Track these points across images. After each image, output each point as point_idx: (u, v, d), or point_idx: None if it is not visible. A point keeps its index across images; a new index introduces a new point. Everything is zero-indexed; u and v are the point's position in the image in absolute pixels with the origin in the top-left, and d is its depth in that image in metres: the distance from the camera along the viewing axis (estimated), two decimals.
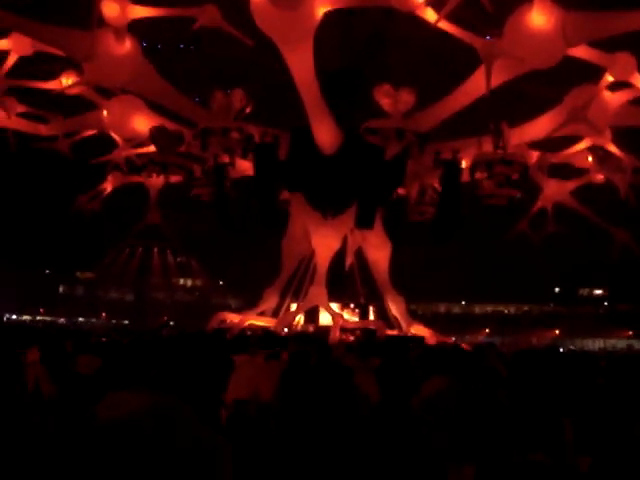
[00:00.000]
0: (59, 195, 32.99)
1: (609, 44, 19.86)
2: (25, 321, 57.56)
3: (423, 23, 19.38)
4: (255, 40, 19.83)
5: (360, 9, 22.05)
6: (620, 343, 55.13)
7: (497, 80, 19.66)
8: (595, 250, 33.29)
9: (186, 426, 2.82)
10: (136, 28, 20.84)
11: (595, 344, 55.31)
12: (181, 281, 64.31)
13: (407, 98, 21.86)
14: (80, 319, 59.57)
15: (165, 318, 53.28)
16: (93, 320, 59.37)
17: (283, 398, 3.92)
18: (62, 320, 58.33)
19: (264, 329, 25.08)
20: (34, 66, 23.44)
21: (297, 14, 17.97)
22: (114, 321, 58.09)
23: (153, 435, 2.68)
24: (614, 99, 21.87)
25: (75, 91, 23.74)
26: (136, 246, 56.80)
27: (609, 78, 20.73)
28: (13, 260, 50.82)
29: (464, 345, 21.82)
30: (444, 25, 18.75)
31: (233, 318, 27.39)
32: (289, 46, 19.71)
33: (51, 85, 24.03)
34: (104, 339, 14.88)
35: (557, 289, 61.55)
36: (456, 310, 64.09)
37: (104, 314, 59.86)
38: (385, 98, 21.73)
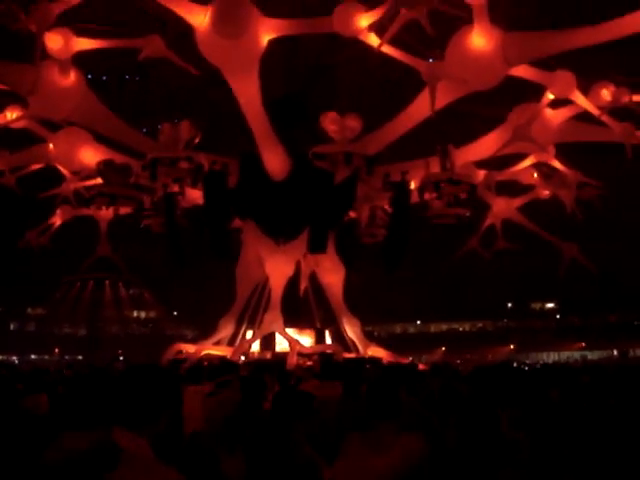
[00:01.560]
0: (7, 230, 32.45)
1: (548, 62, 20.34)
2: None
3: (367, 48, 19.66)
4: (201, 69, 19.87)
5: (304, 35, 22.21)
6: (574, 355, 55.91)
7: (441, 102, 19.99)
8: (545, 264, 33.81)
9: (135, 462, 2.80)
10: (80, 60, 20.73)
11: (550, 357, 56.00)
12: (134, 313, 63.52)
13: (353, 124, 22.08)
14: (32, 356, 58.40)
15: (120, 352, 52.58)
16: (46, 357, 58.25)
17: (236, 427, 3.92)
18: (14, 357, 57.10)
19: (221, 358, 24.88)
20: None
21: (242, 42, 18.08)
22: (67, 357, 57.07)
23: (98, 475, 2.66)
24: (556, 116, 22.42)
25: (20, 125, 23.48)
26: (87, 280, 56.02)
27: (550, 96, 21.22)
28: None
29: (420, 365, 21.99)
30: (387, 49, 19.04)
31: (189, 349, 27.11)
32: (235, 74, 19.80)
33: None
34: (55, 376, 14.64)
35: (509, 304, 62.30)
36: (412, 330, 64.41)
37: (57, 350, 58.79)
38: (331, 125, 21.91)
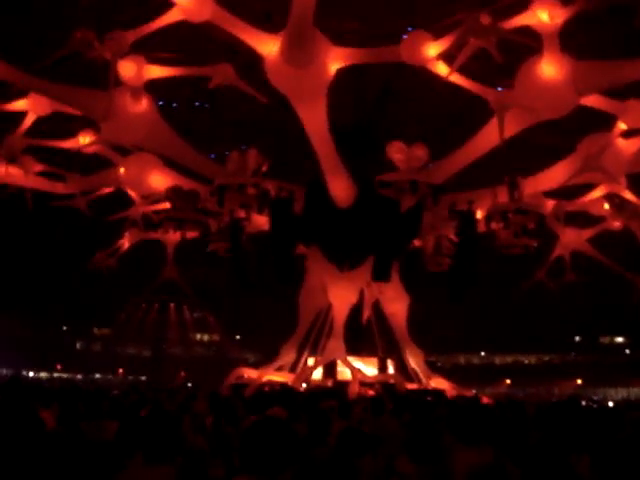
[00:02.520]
0: (77, 252, 33.18)
1: (620, 92, 19.97)
2: (42, 378, 57.51)
3: (435, 76, 19.59)
4: (269, 96, 20.09)
5: (373, 64, 22.26)
6: None
7: (510, 131, 19.75)
8: (615, 297, 32.97)
9: None
10: (152, 87, 21.18)
11: (618, 393, 54.39)
12: (198, 336, 64.13)
13: (420, 154, 21.94)
14: (97, 375, 59.42)
15: (183, 374, 53.13)
16: (110, 376, 59.20)
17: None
18: (79, 376, 58.20)
19: (282, 384, 24.87)
20: (52, 125, 23.82)
21: (310, 71, 18.20)
22: (131, 377, 57.89)
23: None
24: (628, 146, 21.92)
25: (92, 149, 24.08)
26: (153, 302, 56.89)
27: (622, 126, 20.78)
28: (31, 317, 51.05)
29: (485, 399, 21.56)
30: (456, 78, 18.93)
31: (251, 374, 27.20)
32: (303, 103, 19.94)
33: (68, 144, 24.37)
34: (123, 400, 14.78)
35: (578, 338, 60.84)
36: (475, 361, 63.38)
37: (121, 370, 59.67)
38: (398, 154, 21.81)
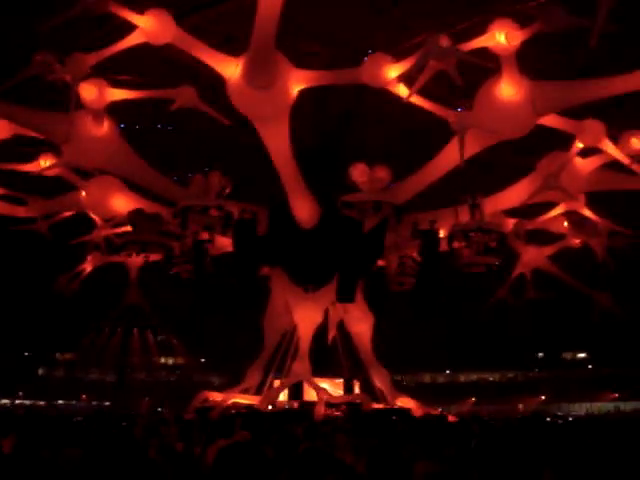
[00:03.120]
0: (38, 276, 32.78)
1: (577, 111, 20.33)
2: (3, 405, 56.44)
3: (395, 98, 19.80)
4: (232, 118, 20.13)
5: (334, 86, 22.44)
6: (607, 406, 54.73)
7: (470, 150, 20.00)
8: (576, 313, 33.32)
9: None
10: (113, 109, 21.10)
11: (582, 408, 54.89)
12: (162, 360, 63.47)
13: (382, 175, 22.13)
14: (60, 401, 58.46)
15: (147, 399, 52.43)
16: (73, 402, 58.28)
17: None
18: (41, 403, 57.20)
19: (248, 407, 24.74)
20: (12, 149, 23.58)
21: (272, 93, 18.31)
22: (95, 402, 57.06)
23: None
24: (585, 165, 22.30)
25: (53, 172, 23.85)
26: (116, 326, 56.22)
27: (579, 145, 21.15)
28: None
29: (450, 417, 21.64)
30: (416, 99, 19.17)
31: (216, 397, 27.00)
32: (265, 125, 20.03)
33: (29, 167, 24.12)
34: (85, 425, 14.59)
35: (540, 354, 61.37)
36: (441, 379, 63.59)
37: (84, 396, 58.80)
38: (361, 177, 21.98)
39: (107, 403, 55.49)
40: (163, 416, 17.14)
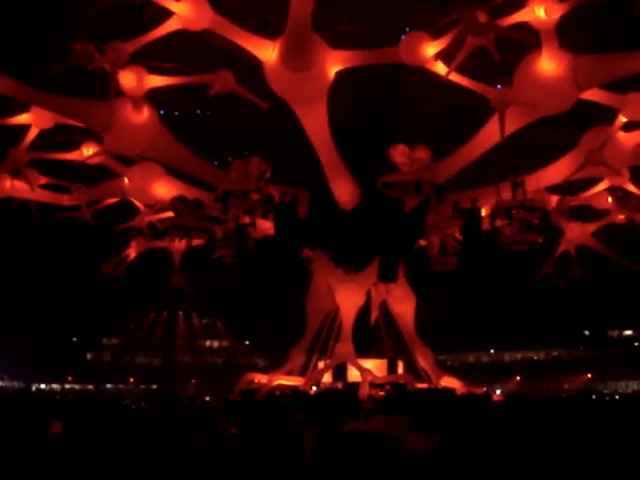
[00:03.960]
0: (84, 263, 33.27)
1: (620, 85, 19.98)
2: (54, 390, 57.65)
3: (434, 76, 19.65)
4: (271, 102, 20.17)
5: (372, 66, 22.32)
6: None
7: (511, 128, 19.78)
8: (621, 290, 32.89)
9: None
10: (153, 96, 21.27)
11: (629, 387, 54.24)
12: (207, 343, 64.14)
13: (422, 156, 21.95)
14: (108, 385, 59.51)
15: (193, 381, 53.23)
16: (121, 386, 59.28)
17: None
18: (90, 387, 58.33)
19: (293, 388, 24.90)
20: (55, 138, 23.93)
21: (309, 75, 18.30)
22: (142, 386, 57.97)
23: None
24: (629, 139, 21.91)
25: (96, 161, 24.16)
26: (161, 310, 56.91)
27: (622, 119, 20.79)
28: (40, 329, 51.15)
29: (495, 396, 21.59)
30: (455, 77, 18.99)
31: (261, 379, 27.22)
32: (303, 107, 20.02)
33: (72, 156, 24.47)
34: (133, 407, 14.84)
35: (586, 332, 60.68)
36: (485, 359, 63.25)
37: (131, 379, 59.76)
38: (401, 157, 21.84)
39: (154, 386, 56.30)
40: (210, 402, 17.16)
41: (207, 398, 15.89)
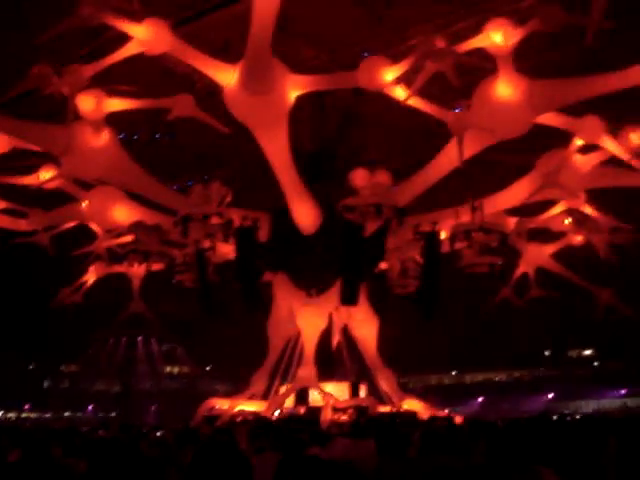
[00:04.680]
0: (41, 289, 32.76)
1: (575, 108, 20.31)
2: (10, 419, 56.49)
3: (393, 101, 19.82)
4: (231, 126, 20.14)
5: (332, 90, 22.47)
6: (614, 403, 54.64)
7: (469, 151, 19.99)
8: (580, 310, 33.28)
9: None
10: (112, 120, 21.12)
11: (589, 406, 54.79)
12: (167, 369, 63.54)
13: (382, 179, 22.09)
14: (66, 413, 58.51)
15: (153, 408, 52.59)
16: (79, 414, 58.32)
17: None
18: (48, 415, 57.27)
19: (255, 414, 24.70)
20: (11, 162, 23.60)
21: (269, 99, 18.34)
22: (101, 414, 57.13)
23: None
24: (585, 162, 22.26)
25: (54, 185, 23.84)
26: (120, 336, 56.37)
27: (578, 142, 21.14)
28: None
29: (457, 418, 21.61)
30: (414, 101, 19.17)
31: (222, 404, 26.98)
32: (263, 131, 20.05)
33: (29, 180, 24.13)
34: (91, 436, 14.59)
35: (546, 352, 61.29)
36: (447, 381, 63.53)
37: (90, 407, 58.87)
38: (361, 182, 21.95)
39: (113, 414, 55.51)
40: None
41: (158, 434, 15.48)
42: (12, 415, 58.14)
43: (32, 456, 7.54)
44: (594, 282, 28.12)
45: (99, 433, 16.77)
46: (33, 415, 58.37)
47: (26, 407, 59.08)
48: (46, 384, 64.08)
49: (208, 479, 3.49)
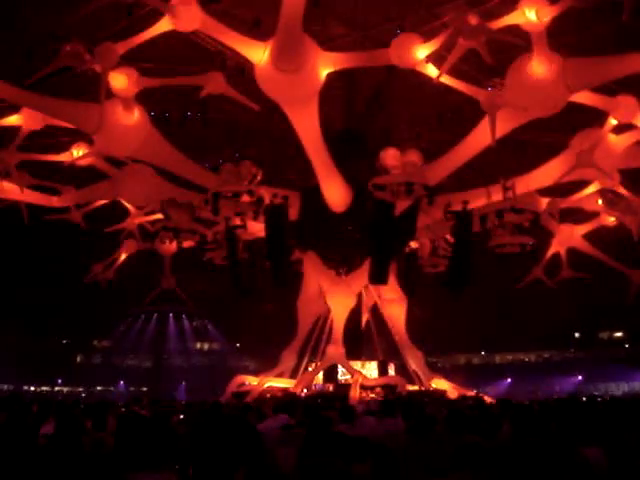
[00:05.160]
0: (74, 265, 33.13)
1: (610, 87, 20.02)
2: (43, 392, 57.44)
3: (425, 79, 19.67)
4: (261, 104, 20.13)
5: (363, 68, 22.31)
6: None
7: (502, 130, 19.79)
8: (612, 292, 32.94)
9: None
10: (143, 97, 21.20)
11: (619, 388, 54.33)
12: (198, 345, 64.09)
13: (413, 159, 21.92)
14: (98, 388, 59.32)
15: (183, 383, 53.15)
16: (111, 388, 59.12)
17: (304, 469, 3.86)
18: (80, 389, 58.11)
19: (283, 391, 24.89)
20: (44, 139, 23.81)
21: (300, 77, 18.24)
22: (132, 388, 57.84)
23: None
24: (619, 142, 21.93)
25: (86, 162, 24.03)
26: (152, 312, 56.91)
27: (613, 121, 20.84)
28: (29, 331, 50.95)
29: (486, 398, 21.58)
30: (446, 79, 18.98)
31: (252, 381, 27.21)
32: (294, 109, 20.00)
33: (62, 157, 24.33)
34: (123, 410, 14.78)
35: (577, 334, 60.80)
36: (476, 361, 63.31)
37: (121, 382, 59.63)
38: (392, 161, 21.80)
39: (144, 389, 56.18)
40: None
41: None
42: (45, 388, 59.12)
43: (65, 429, 7.68)
44: (626, 263, 27.81)
45: (132, 408, 16.98)
46: (65, 389, 59.28)
47: (59, 381, 60.00)
48: (78, 359, 64.98)
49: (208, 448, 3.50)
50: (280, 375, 27.53)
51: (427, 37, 18.79)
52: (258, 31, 19.72)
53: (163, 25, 18.04)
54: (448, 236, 25.55)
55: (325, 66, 18.92)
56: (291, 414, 9.92)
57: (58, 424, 8.23)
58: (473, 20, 17.09)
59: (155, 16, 18.18)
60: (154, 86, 20.75)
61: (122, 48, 18.47)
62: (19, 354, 50.37)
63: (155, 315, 59.08)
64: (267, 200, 23.13)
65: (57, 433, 7.67)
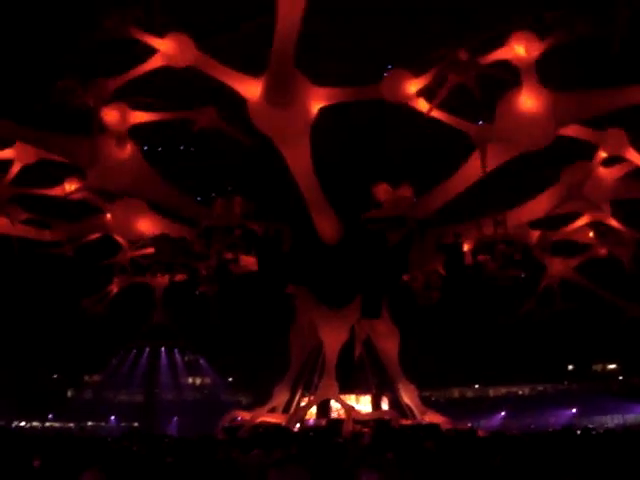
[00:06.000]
0: (65, 299, 32.95)
1: (599, 121, 20.22)
2: (34, 427, 56.82)
3: (416, 113, 19.80)
4: (254, 138, 20.23)
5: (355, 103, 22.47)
6: (639, 418, 53.87)
7: (492, 163, 19.92)
8: (605, 324, 32.92)
9: None
10: (136, 132, 21.30)
11: (613, 420, 54.09)
12: (190, 380, 63.60)
13: (405, 194, 22.03)
14: (89, 423, 58.67)
15: (175, 418, 52.70)
16: (102, 424, 58.48)
17: None
18: (71, 425, 57.47)
19: (276, 426, 24.70)
20: (37, 173, 23.82)
21: (292, 112, 18.39)
22: (123, 424, 57.23)
23: None
24: (609, 174, 22.11)
25: (78, 196, 24.04)
26: (143, 347, 56.58)
27: (602, 154, 21.01)
28: (20, 366, 50.50)
29: (480, 432, 21.46)
30: (436, 113, 19.13)
31: (244, 415, 27.01)
32: (287, 143, 20.11)
33: (54, 191, 24.34)
34: (114, 446, 14.65)
35: (570, 366, 60.64)
36: (470, 394, 62.96)
37: (113, 417, 59.01)
38: (384, 196, 21.90)
39: (135, 424, 55.61)
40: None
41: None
42: (36, 424, 58.44)
43: (50, 464, 7.62)
44: (618, 295, 27.79)
45: (123, 443, 16.83)
46: (56, 424, 58.61)
47: (50, 416, 59.33)
48: (69, 394, 64.30)
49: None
50: (273, 410, 27.33)
51: (418, 72, 18.96)
52: (251, 67, 19.89)
53: (156, 61, 18.20)
54: (440, 269, 25.52)
55: (317, 101, 19.08)
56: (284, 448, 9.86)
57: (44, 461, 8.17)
58: (463, 55, 17.30)
59: (150, 52, 18.32)
60: (147, 121, 20.85)
61: (115, 83, 18.62)
62: (9, 388, 49.85)
63: (147, 349, 58.71)
64: (259, 234, 23.13)
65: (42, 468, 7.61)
